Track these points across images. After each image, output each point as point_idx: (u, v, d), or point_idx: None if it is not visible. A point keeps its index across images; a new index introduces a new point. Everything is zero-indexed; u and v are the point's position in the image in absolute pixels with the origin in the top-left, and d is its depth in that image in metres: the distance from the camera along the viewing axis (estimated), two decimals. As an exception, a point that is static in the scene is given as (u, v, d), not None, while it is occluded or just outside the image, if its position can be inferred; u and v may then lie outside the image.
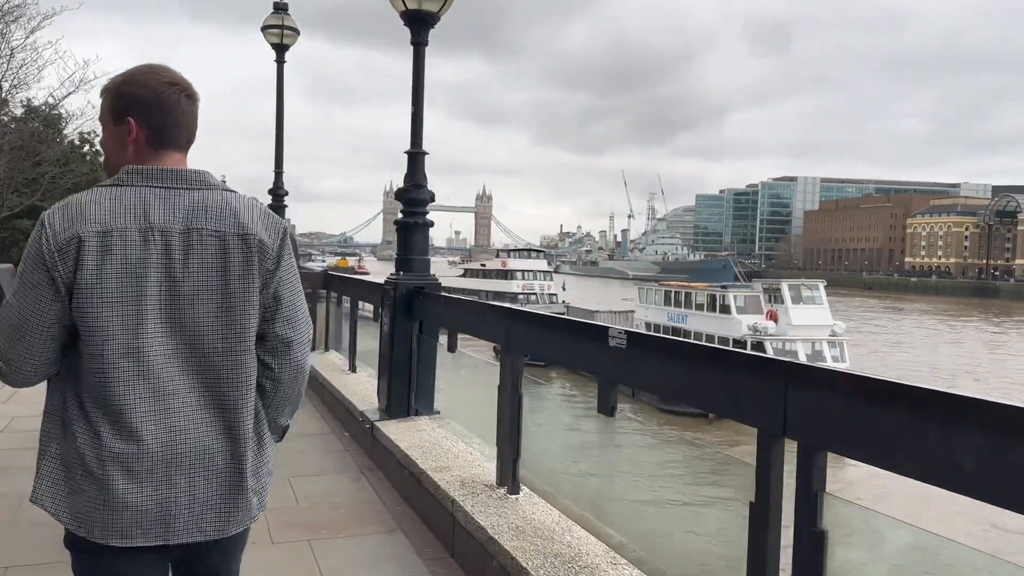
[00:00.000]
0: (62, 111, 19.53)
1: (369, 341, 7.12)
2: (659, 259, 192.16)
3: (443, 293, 5.41)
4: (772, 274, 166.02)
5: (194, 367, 1.79)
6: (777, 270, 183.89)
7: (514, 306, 3.87)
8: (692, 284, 45.50)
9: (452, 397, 5.64)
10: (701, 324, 40.10)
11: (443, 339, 5.18)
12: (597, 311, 46.24)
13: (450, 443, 4.71)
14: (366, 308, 7.04)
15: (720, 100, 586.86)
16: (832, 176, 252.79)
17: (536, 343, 3.71)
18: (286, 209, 11.81)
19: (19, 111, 19.22)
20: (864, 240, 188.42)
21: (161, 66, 1.93)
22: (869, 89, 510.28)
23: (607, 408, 2.98)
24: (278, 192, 11.72)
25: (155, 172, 1.82)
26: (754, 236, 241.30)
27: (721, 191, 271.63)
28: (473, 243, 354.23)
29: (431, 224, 5.55)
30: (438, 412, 5.39)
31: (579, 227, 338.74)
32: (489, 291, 71.96)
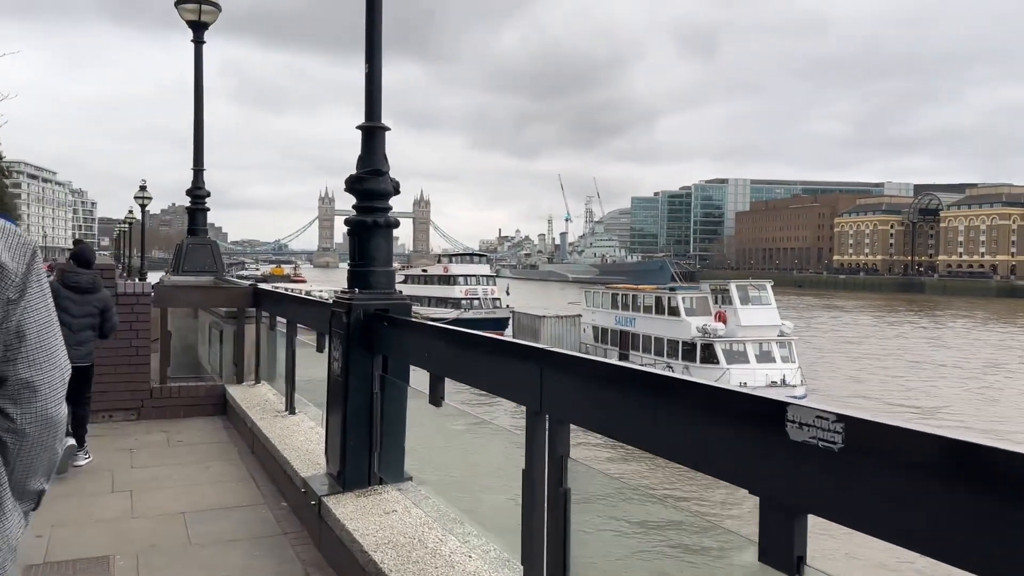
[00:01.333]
0: None
1: (313, 368, 5.65)
2: (598, 261, 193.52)
3: (416, 319, 3.95)
4: (707, 274, 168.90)
5: None
6: (711, 270, 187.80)
7: (554, 349, 2.46)
8: (639, 287, 44.81)
9: (431, 454, 4.22)
10: (650, 327, 39.39)
11: (417, 378, 3.77)
12: (544, 316, 45.02)
13: (435, 534, 3.27)
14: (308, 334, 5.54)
15: (650, 105, 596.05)
16: (761, 178, 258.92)
17: (600, 407, 2.30)
18: (207, 212, 10.17)
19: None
20: (793, 239, 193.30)
21: None
22: (792, 92, 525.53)
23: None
24: (197, 192, 10.07)
25: None
26: (688, 237, 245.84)
27: (656, 193, 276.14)
28: (412, 249, 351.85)
29: (395, 224, 4.12)
30: (410, 478, 3.94)
31: (517, 231, 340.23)
32: (431, 297, 70.33)
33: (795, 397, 27.87)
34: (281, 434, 5.22)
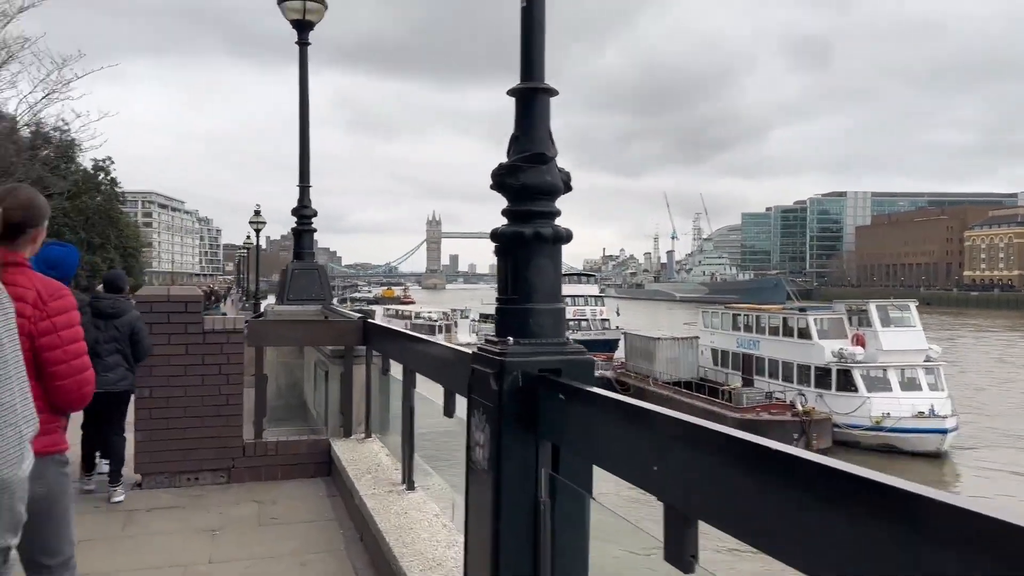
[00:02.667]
0: (74, 137, 17.21)
1: (434, 416, 4.36)
2: (707, 280, 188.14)
3: (604, 391, 2.47)
4: (825, 292, 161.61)
5: None
6: (830, 287, 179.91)
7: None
8: (763, 306, 42.06)
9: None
10: (777, 350, 36.66)
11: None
12: (659, 338, 42.85)
13: None
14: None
15: (760, 118, 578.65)
16: (881, 190, 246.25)
17: None
18: (314, 233, 9.15)
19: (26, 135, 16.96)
20: (919, 254, 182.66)
21: None
22: (911, 100, 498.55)
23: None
24: (303, 212, 9.07)
25: None
26: (804, 253, 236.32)
27: (768, 209, 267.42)
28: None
29: (567, 237, 2.71)
30: (596, 628, 2.51)
31: (622, 250, 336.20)
32: (538, 318, 68.91)
33: (946, 430, 24.89)
34: (398, 524, 3.89)
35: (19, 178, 13.98)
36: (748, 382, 37.84)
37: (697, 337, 42.86)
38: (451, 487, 4.53)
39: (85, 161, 35.72)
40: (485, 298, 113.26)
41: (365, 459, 5.32)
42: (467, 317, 69.88)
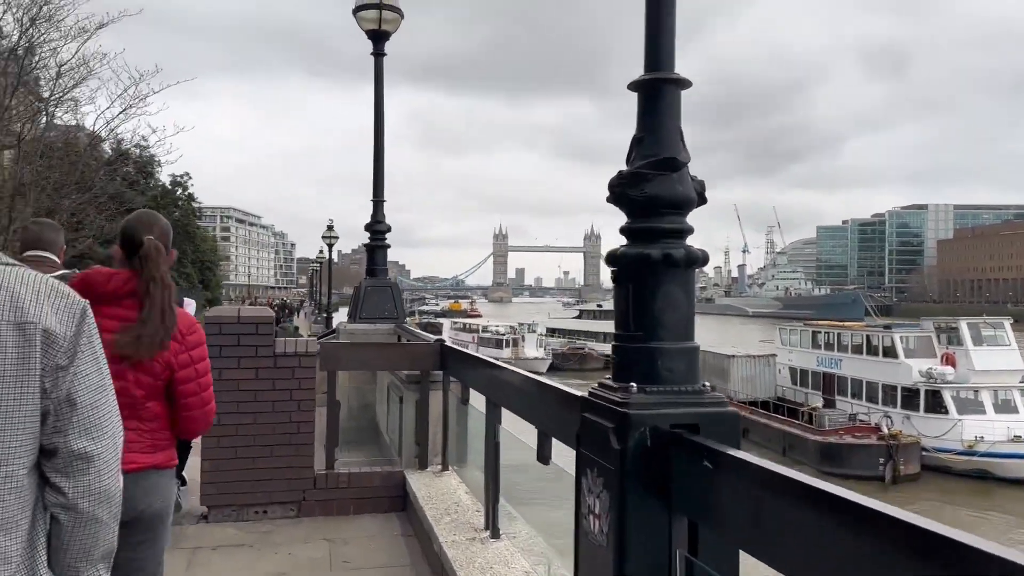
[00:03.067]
0: (153, 153, 17.47)
1: (519, 450, 3.94)
2: (781, 294, 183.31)
3: (764, 461, 1.96)
4: (906, 308, 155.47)
5: None
6: (910, 303, 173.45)
7: None
8: (844, 323, 40.35)
9: None
10: (860, 369, 34.99)
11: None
12: (734, 355, 41.49)
13: None
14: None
15: (834, 129, 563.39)
16: (963, 202, 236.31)
17: None
18: (387, 249, 8.84)
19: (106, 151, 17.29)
20: (1007, 269, 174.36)
21: None
22: (993, 110, 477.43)
23: None
24: (377, 227, 8.77)
25: None
26: (883, 268, 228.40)
27: (844, 222, 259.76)
28: (583, 283, 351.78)
29: (702, 259, 2.21)
30: None
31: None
32: (606, 333, 68.03)
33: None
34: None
35: (96, 193, 14.24)
36: (829, 403, 36.23)
37: (774, 355, 41.30)
38: (537, 532, 4.06)
39: (163, 177, 36.70)
40: (552, 312, 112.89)
41: (443, 496, 4.89)
42: (534, 331, 69.33)
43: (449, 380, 5.43)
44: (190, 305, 6.31)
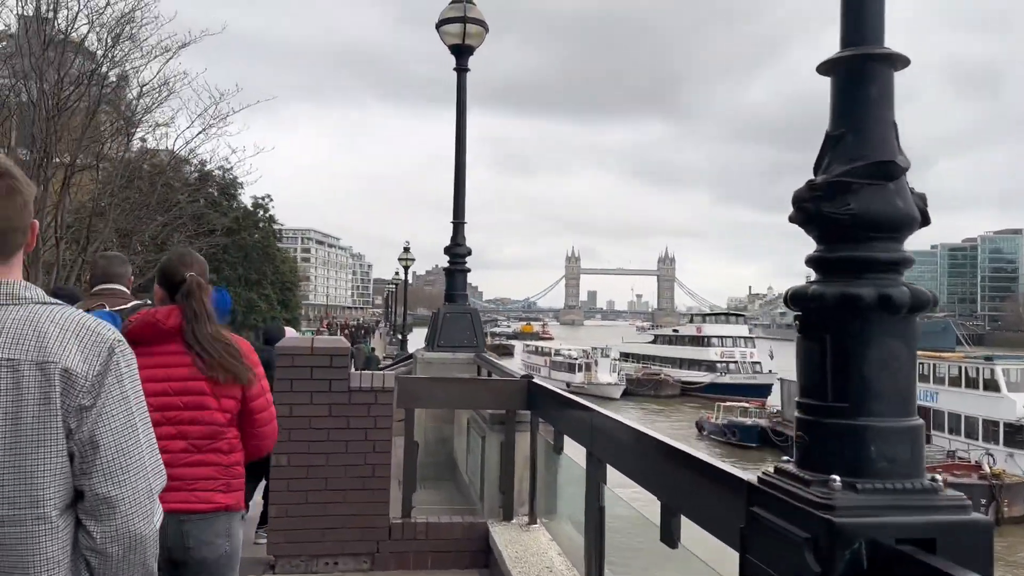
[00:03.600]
0: (235, 175, 17.55)
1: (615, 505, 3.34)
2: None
3: None
4: (999, 338, 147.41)
5: None
6: (1004, 333, 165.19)
7: None
8: (940, 354, 38.09)
9: None
10: (958, 403, 32.88)
11: None
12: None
13: None
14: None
15: (920, 150, 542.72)
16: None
17: None
18: (467, 273, 8.38)
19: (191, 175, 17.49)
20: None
21: None
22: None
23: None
24: (456, 251, 8.31)
25: None
26: (974, 295, 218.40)
27: (932, 247, 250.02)
28: (656, 306, 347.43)
29: (930, 302, 1.60)
30: None
31: (770, 287, 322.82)
32: (683, 359, 66.32)
33: None
34: None
35: (177, 214, 14.32)
36: (925, 438, 34.16)
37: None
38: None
39: (245, 199, 37.05)
40: (626, 336, 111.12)
41: (532, 556, 4.30)
42: (607, 356, 68.11)
43: (538, 422, 4.86)
44: (291, 334, 6.35)
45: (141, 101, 12.58)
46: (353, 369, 4.97)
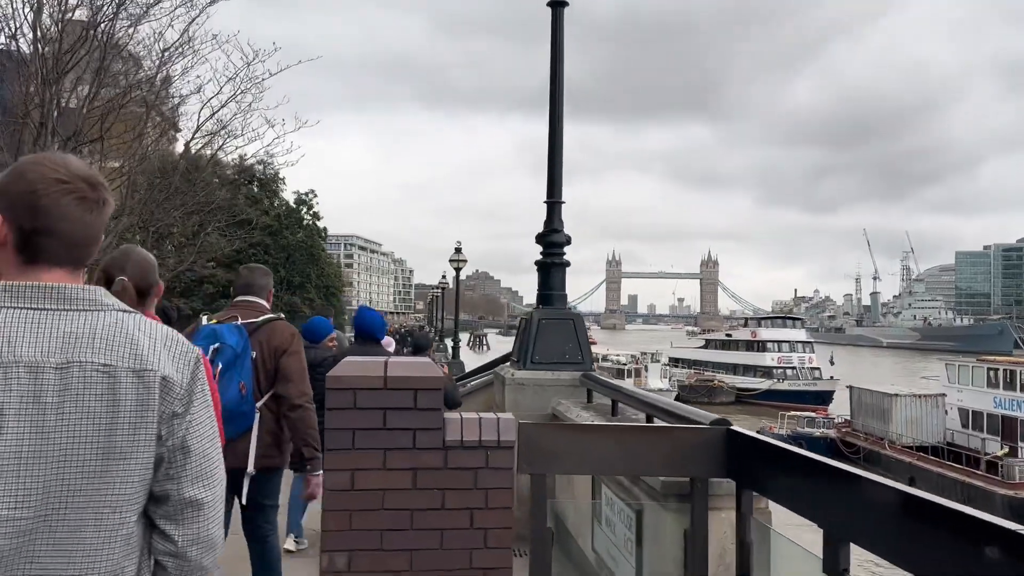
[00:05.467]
0: (274, 164, 15.70)
1: None
2: (919, 324, 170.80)
3: None
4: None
5: (46, 548, 1.32)
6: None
7: None
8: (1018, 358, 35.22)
9: None
10: (1056, 415, 30.04)
11: None
12: (896, 394, 36.93)
13: None
14: None
15: (970, 149, 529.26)
16: None
17: None
18: (566, 268, 6.49)
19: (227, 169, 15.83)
20: None
21: (60, 157, 1.47)
22: None
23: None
24: (551, 238, 6.43)
25: (27, 289, 1.38)
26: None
27: (985, 247, 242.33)
28: (699, 310, 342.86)
29: None
30: None
31: (816, 291, 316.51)
32: (737, 364, 63.58)
33: None
34: None
35: (211, 210, 12.40)
36: (1012, 451, 31.37)
37: (943, 394, 36.48)
38: None
39: (287, 195, 34.15)
40: (674, 340, 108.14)
41: None
42: (658, 361, 65.75)
43: (750, 496, 2.95)
44: (390, 345, 5.89)
45: (164, 68, 10.62)
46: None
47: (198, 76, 10.39)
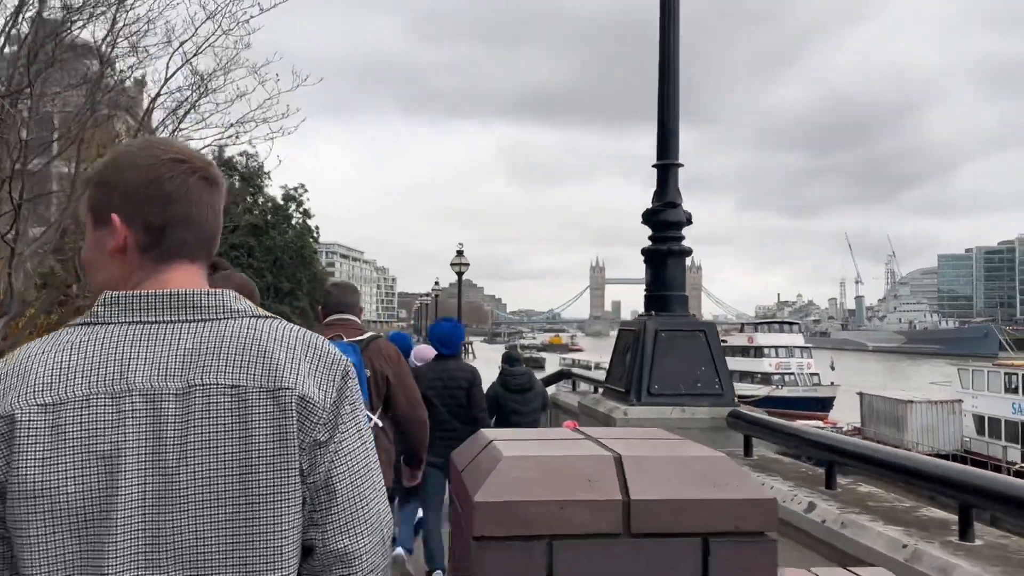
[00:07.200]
0: (259, 154, 13.59)
1: None
2: (904, 327, 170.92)
3: None
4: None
5: None
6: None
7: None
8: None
9: None
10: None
11: None
12: (910, 401, 35.40)
13: None
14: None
15: (951, 151, 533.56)
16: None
17: None
18: (686, 257, 4.60)
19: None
20: None
21: (163, 139, 1.29)
22: None
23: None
24: (664, 216, 4.55)
25: (144, 300, 1.14)
26: (1013, 299, 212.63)
27: (967, 250, 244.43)
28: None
29: None
30: None
31: (799, 295, 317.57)
32: (732, 371, 61.95)
33: None
34: None
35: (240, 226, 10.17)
36: (1033, 458, 30.05)
37: (960, 400, 35.00)
38: None
39: (274, 190, 30.16)
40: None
41: None
42: (653, 368, 64.14)
43: None
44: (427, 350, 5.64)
45: (117, 47, 8.34)
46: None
47: (167, 21, 8.21)
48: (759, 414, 4.00)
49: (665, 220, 4.49)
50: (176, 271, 1.18)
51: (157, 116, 8.99)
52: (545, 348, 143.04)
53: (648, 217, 4.53)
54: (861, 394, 40.01)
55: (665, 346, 4.17)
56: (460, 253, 23.41)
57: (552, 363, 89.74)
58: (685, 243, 4.55)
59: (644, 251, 4.55)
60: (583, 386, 8.38)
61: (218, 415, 1.08)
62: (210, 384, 1.09)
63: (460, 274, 24.24)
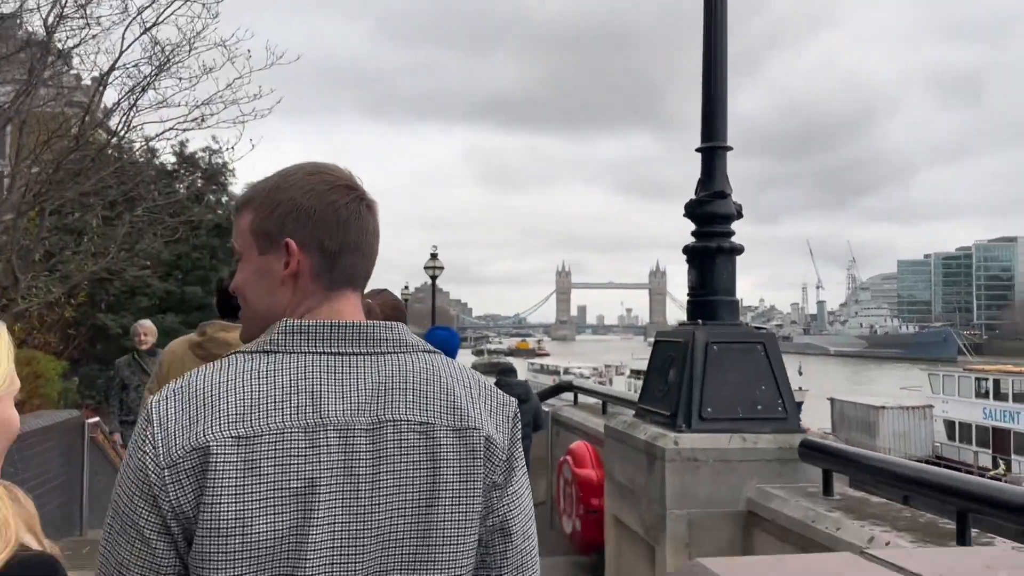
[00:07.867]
0: (223, 150, 12.54)
1: None
2: (865, 332, 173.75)
3: None
4: (999, 346, 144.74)
5: None
6: (1004, 341, 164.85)
7: None
8: (1015, 368, 34.12)
9: None
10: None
11: None
12: (882, 407, 35.41)
13: None
14: None
15: (907, 159, 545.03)
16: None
17: None
18: (738, 256, 3.93)
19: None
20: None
21: (326, 164, 1.24)
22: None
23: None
24: (710, 208, 3.87)
25: (329, 330, 1.10)
26: (970, 304, 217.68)
27: (925, 256, 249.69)
28: (648, 320, 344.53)
29: None
30: None
31: (761, 300, 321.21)
32: (702, 376, 61.97)
33: None
34: None
35: (149, 207, 9.04)
36: (1005, 463, 30.15)
37: (931, 406, 35.09)
38: None
39: (237, 188, 30.02)
40: (631, 351, 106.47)
41: None
42: (622, 374, 63.94)
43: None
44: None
45: (55, 36, 7.30)
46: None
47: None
48: (840, 444, 3.34)
49: (713, 212, 3.80)
50: (346, 300, 1.18)
51: (110, 96, 8.10)
52: (512, 353, 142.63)
53: (692, 209, 3.83)
54: (832, 400, 39.99)
55: (718, 361, 3.48)
56: (434, 256, 22.58)
57: (520, 368, 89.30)
58: (734, 239, 3.86)
59: (687, 248, 3.85)
60: (582, 399, 7.67)
61: (408, 452, 1.07)
62: (400, 420, 1.08)
63: (434, 278, 23.40)
